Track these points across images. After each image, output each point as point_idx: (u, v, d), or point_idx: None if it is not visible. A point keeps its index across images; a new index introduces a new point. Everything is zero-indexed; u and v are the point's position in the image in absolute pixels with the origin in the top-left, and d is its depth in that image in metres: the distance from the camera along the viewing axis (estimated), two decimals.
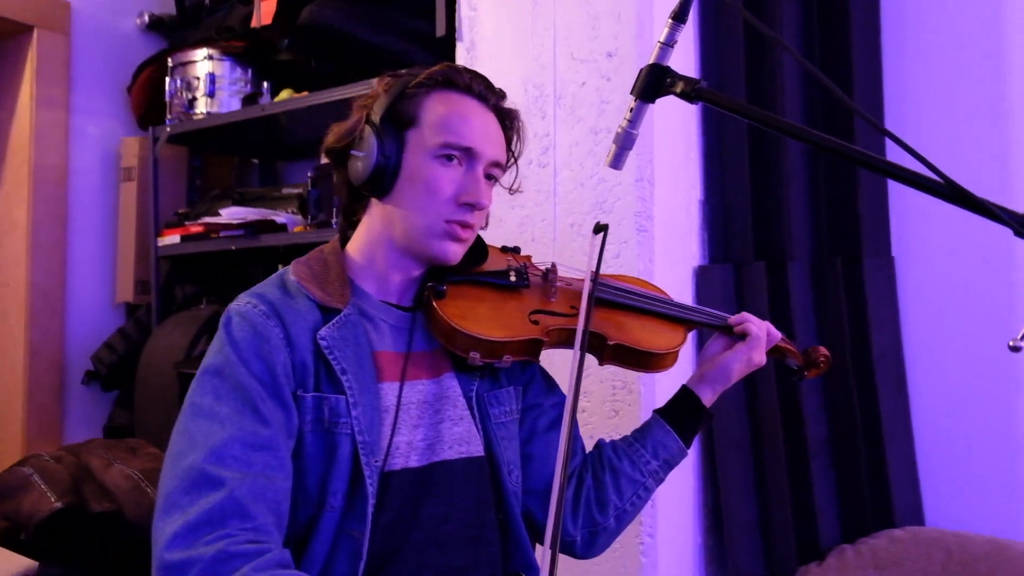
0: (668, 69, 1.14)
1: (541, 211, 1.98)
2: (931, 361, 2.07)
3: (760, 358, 1.38)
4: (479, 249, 1.32)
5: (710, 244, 2.09)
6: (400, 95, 1.20)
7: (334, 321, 1.17)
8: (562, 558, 1.83)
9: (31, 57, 2.74)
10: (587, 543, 1.36)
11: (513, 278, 1.29)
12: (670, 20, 1.14)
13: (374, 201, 1.24)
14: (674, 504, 1.93)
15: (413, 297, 1.27)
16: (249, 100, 2.51)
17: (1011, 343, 0.88)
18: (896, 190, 2.05)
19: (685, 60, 2.05)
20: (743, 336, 1.38)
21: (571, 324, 1.25)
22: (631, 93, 1.17)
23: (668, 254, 1.93)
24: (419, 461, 1.19)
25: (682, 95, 1.13)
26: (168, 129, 2.63)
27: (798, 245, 2.04)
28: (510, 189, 1.37)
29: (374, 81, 1.29)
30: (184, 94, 2.59)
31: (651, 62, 1.15)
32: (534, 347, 1.25)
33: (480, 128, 1.22)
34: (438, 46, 2.19)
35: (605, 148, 1.88)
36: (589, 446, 1.45)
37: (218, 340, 1.14)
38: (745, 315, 1.41)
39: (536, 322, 1.26)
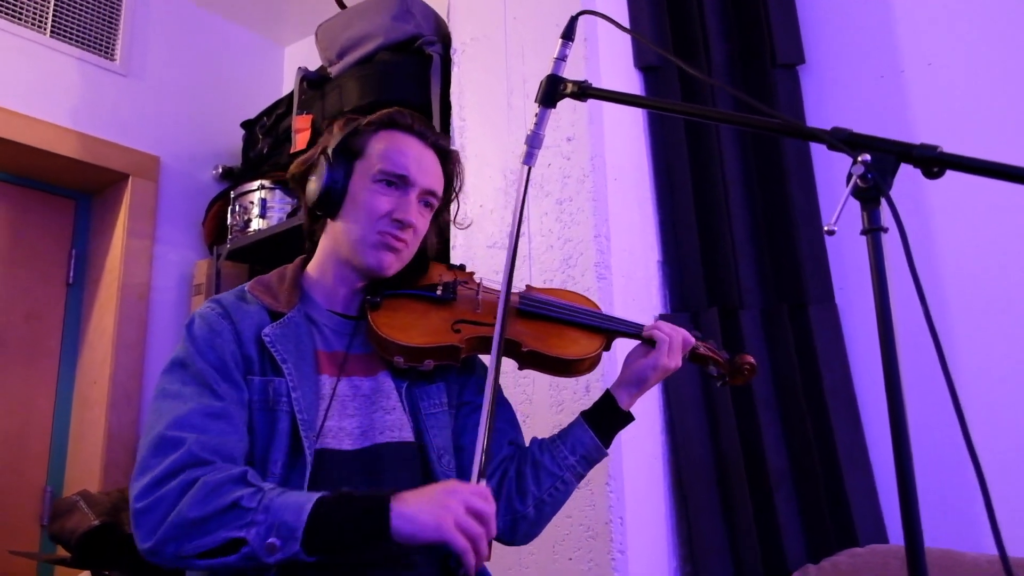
0: (562, 78, 1.26)
1: (519, 273, 2.08)
2: (882, 397, 2.03)
3: (672, 362, 1.36)
4: (420, 267, 1.39)
5: (670, 296, 2.15)
6: (352, 132, 1.32)
7: (279, 322, 1.25)
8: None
9: (126, 199, 3.04)
10: (509, 530, 1.34)
11: (439, 292, 1.35)
12: (560, 39, 1.27)
13: (328, 222, 1.34)
14: (646, 528, 1.89)
15: (357, 308, 1.34)
16: (292, 215, 2.73)
17: (826, 228, 0.91)
18: (834, 242, 2.10)
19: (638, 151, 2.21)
20: (654, 343, 1.37)
21: (489, 332, 1.26)
22: (535, 101, 1.29)
23: (630, 302, 2.00)
24: (352, 445, 1.23)
25: (573, 95, 1.25)
26: (228, 245, 2.85)
27: (748, 294, 2.08)
28: (454, 220, 1.48)
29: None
30: (241, 217, 2.83)
31: (549, 74, 1.27)
32: (452, 352, 1.29)
33: (415, 159, 1.31)
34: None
35: (569, 215, 2.02)
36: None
37: (182, 338, 1.23)
38: (658, 323, 1.41)
39: (458, 330, 1.31)
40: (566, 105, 2.07)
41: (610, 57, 2.14)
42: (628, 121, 2.16)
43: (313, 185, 1.31)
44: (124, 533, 1.78)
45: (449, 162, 1.39)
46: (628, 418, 1.38)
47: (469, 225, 2.13)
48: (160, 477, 1.06)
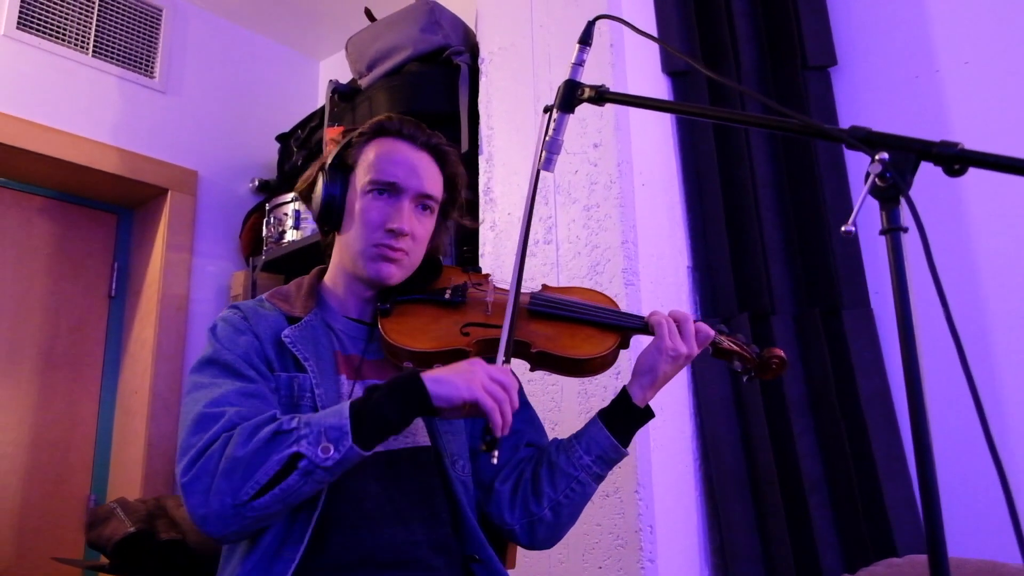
0: (579, 83, 1.24)
1: (548, 280, 2.08)
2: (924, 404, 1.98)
3: (684, 349, 1.29)
4: (433, 271, 1.39)
5: (700, 301, 2.12)
6: (346, 146, 1.34)
7: (296, 325, 1.28)
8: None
9: (166, 212, 3.10)
10: (527, 533, 1.32)
11: (448, 295, 1.34)
12: (578, 44, 1.26)
13: (335, 235, 1.36)
14: (677, 537, 1.87)
15: (371, 314, 1.35)
16: None
17: (843, 229, 0.89)
18: (869, 245, 2.06)
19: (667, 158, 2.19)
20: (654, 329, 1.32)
21: (498, 334, 1.22)
22: (553, 107, 1.28)
23: (659, 308, 1.97)
24: None
25: (590, 100, 1.23)
26: (263, 257, 2.89)
27: (780, 299, 2.05)
28: (465, 221, 1.47)
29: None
30: (275, 229, 2.87)
31: (566, 79, 1.27)
32: (460, 356, 1.26)
33: (405, 165, 1.30)
34: (463, 159, 2.40)
35: (596, 221, 2.01)
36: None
37: (208, 340, 1.26)
38: (656, 311, 1.36)
39: (467, 333, 1.29)
40: (593, 111, 2.07)
41: (637, 63, 2.13)
42: (656, 126, 2.15)
43: (314, 201, 1.33)
44: (159, 540, 1.82)
45: (447, 162, 1.38)
46: (646, 415, 1.33)
47: (480, 223, 2.16)
48: (203, 447, 1.08)
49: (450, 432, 1.30)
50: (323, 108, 2.96)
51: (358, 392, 1.26)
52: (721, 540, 1.92)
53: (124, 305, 3.19)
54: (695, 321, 1.34)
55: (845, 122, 2.17)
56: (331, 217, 1.31)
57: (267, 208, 2.95)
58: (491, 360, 1.40)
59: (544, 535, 1.31)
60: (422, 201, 1.32)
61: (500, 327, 1.22)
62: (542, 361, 1.32)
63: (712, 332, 1.35)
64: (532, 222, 2.10)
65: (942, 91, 2.07)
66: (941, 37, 2.09)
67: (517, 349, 1.30)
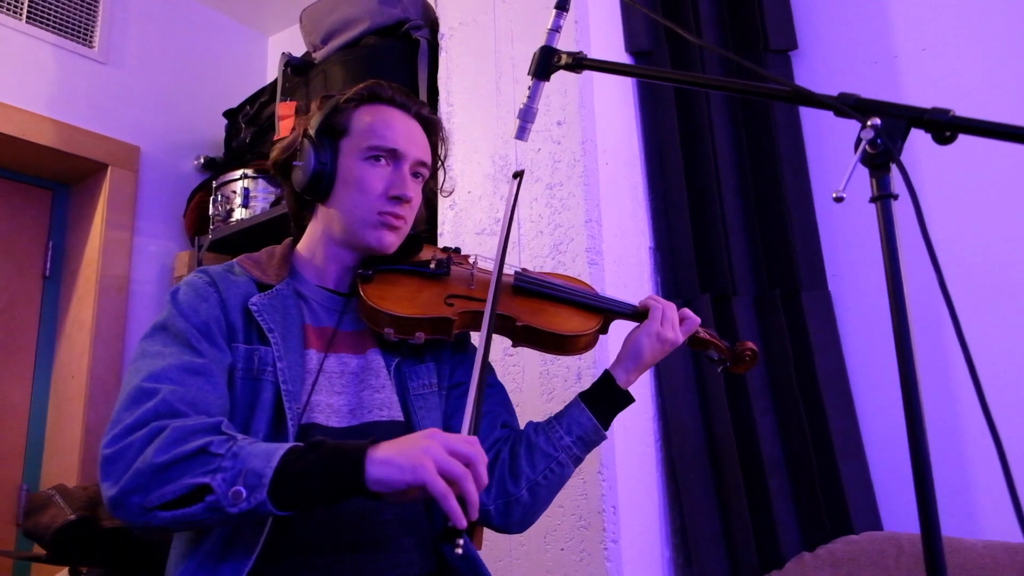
0: (555, 50, 1.22)
1: (509, 259, 2.04)
2: (875, 384, 2.02)
3: (666, 331, 1.33)
4: (414, 246, 1.36)
5: (662, 282, 2.12)
6: (333, 110, 1.28)
7: (266, 292, 1.22)
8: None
9: (105, 189, 2.97)
10: (502, 514, 1.29)
11: (433, 266, 1.31)
12: (555, 10, 1.24)
13: (318, 206, 1.31)
14: (639, 517, 1.87)
15: (348, 285, 1.31)
16: (275, 204, 2.68)
17: (834, 195, 0.88)
18: (827, 229, 2.08)
19: (628, 132, 2.18)
20: (647, 313, 1.35)
21: (482, 307, 1.23)
22: (528, 74, 1.25)
23: (622, 288, 1.98)
24: (340, 423, 1.19)
25: (567, 67, 1.21)
26: (210, 236, 2.80)
27: (741, 281, 2.06)
28: (442, 191, 1.47)
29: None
30: (223, 207, 2.77)
31: (543, 45, 1.24)
32: (444, 325, 1.26)
33: (403, 132, 1.28)
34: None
35: (559, 200, 1.98)
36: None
37: (167, 303, 1.19)
38: (650, 295, 1.39)
39: (451, 304, 1.28)
40: (556, 89, 2.05)
41: (600, 42, 2.11)
42: (619, 105, 2.13)
43: (300, 170, 1.27)
44: (102, 528, 1.73)
45: (433, 132, 1.37)
46: (627, 398, 1.34)
47: (452, 192, 2.12)
48: (131, 425, 1.00)
49: (424, 407, 1.27)
50: (273, 83, 2.88)
51: (329, 365, 1.21)
52: (682, 520, 1.93)
53: (60, 286, 3.05)
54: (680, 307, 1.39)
55: (804, 106, 2.19)
56: (320, 187, 1.26)
57: (214, 185, 2.85)
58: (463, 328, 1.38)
59: (519, 516, 1.29)
60: (416, 169, 1.30)
61: (484, 300, 1.21)
62: (526, 336, 1.31)
63: (698, 320, 1.39)
64: (492, 201, 2.07)
65: (899, 77, 2.10)
66: (900, 24, 2.12)
67: (501, 323, 1.29)
